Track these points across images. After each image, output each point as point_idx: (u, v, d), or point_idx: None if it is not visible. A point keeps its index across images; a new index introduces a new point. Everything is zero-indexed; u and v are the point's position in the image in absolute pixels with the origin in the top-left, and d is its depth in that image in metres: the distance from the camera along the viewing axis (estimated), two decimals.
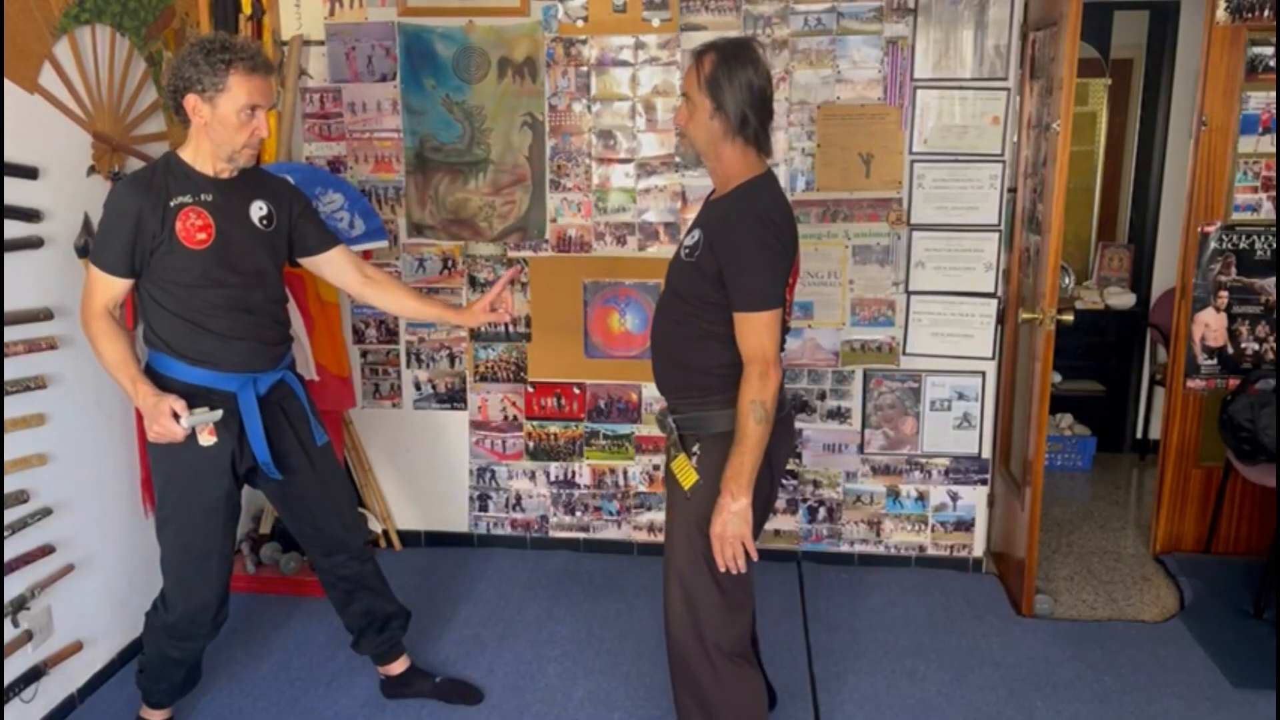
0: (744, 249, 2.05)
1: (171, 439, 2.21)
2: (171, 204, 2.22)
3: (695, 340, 2.14)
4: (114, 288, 2.24)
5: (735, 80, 2.07)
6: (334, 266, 2.53)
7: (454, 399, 3.68)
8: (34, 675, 2.55)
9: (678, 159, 2.19)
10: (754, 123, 2.10)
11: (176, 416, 2.19)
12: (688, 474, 2.15)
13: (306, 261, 2.52)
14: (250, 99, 2.20)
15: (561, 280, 3.53)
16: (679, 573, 2.20)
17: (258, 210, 2.36)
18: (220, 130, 2.21)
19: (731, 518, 2.03)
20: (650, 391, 3.57)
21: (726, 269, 2.05)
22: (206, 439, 2.28)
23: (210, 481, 2.34)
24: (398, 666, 2.78)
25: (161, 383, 2.26)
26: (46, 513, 2.55)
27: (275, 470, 2.42)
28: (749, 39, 2.36)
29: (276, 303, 2.45)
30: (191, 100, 2.19)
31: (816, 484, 3.59)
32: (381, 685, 2.81)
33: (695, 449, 2.16)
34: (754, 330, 2.05)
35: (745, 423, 2.02)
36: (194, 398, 2.26)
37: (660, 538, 3.69)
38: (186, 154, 2.28)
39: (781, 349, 2.15)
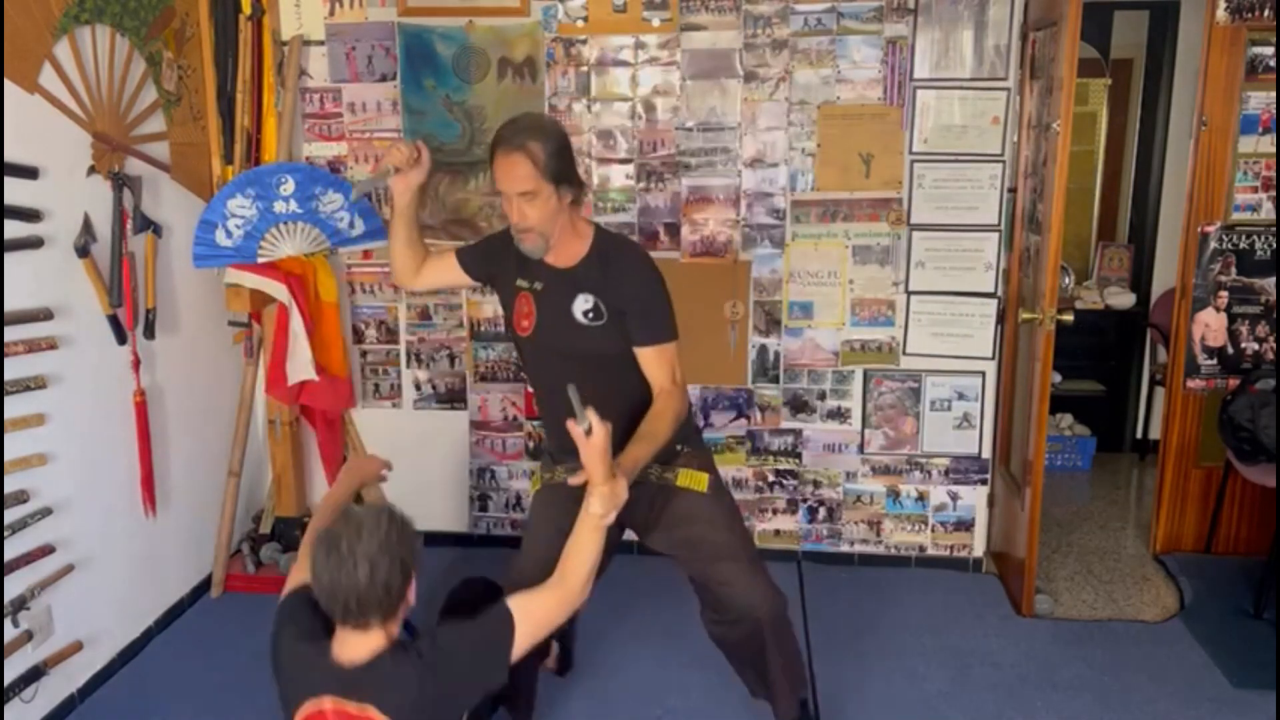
0: (653, 289, 2.24)
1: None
2: None
3: (639, 387, 2.26)
4: None
5: (566, 154, 2.15)
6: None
7: (454, 399, 3.68)
8: (34, 675, 2.55)
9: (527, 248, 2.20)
10: (580, 187, 2.23)
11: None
12: (698, 479, 2.34)
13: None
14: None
15: None
16: (750, 554, 2.32)
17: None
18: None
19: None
20: None
21: (639, 314, 2.21)
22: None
23: None
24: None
25: None
26: (46, 513, 2.55)
27: None
28: (541, 114, 2.42)
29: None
30: None
31: (816, 484, 3.59)
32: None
33: (681, 453, 2.36)
34: (671, 358, 2.25)
35: (667, 431, 2.20)
36: None
37: None
38: None
39: None
